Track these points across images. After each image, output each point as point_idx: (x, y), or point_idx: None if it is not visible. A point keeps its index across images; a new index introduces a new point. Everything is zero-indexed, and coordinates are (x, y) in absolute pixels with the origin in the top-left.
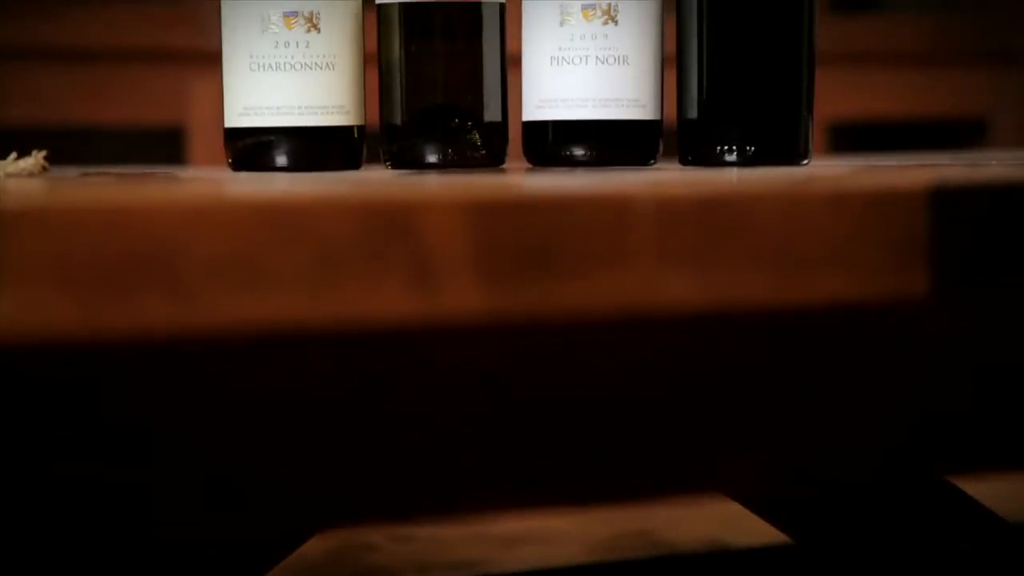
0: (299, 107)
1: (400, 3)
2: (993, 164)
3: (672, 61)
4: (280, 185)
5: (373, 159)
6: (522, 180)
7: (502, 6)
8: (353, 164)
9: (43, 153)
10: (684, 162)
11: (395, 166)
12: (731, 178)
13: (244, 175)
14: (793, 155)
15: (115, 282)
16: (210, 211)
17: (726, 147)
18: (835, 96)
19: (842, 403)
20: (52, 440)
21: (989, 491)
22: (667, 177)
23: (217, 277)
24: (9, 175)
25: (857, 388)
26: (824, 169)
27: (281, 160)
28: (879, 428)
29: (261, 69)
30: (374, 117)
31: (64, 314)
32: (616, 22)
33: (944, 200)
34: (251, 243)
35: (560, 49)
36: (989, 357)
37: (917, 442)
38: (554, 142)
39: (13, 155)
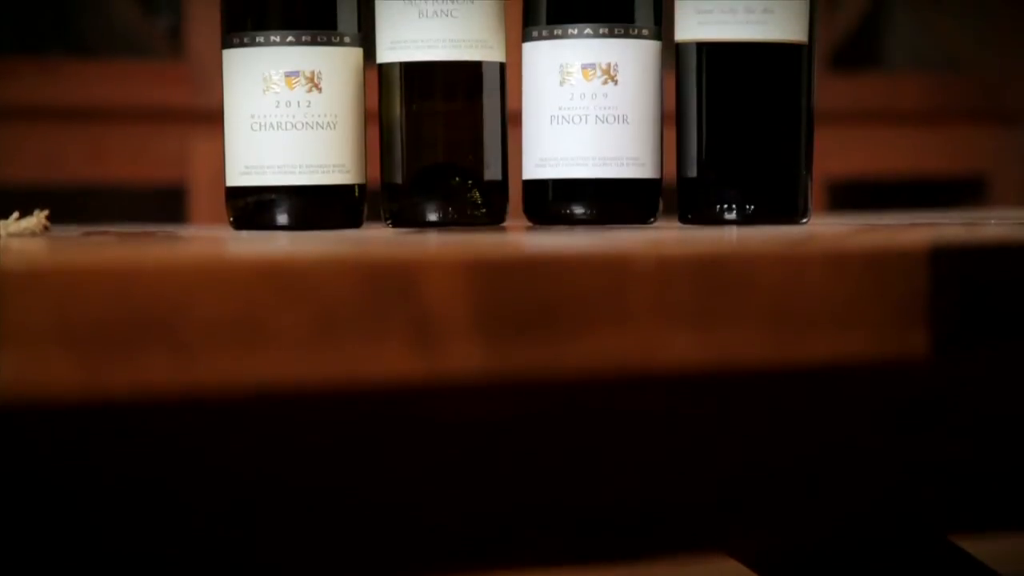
0: (300, 166)
1: (401, 62)
2: (992, 223)
3: (671, 118)
4: (281, 244)
5: (374, 217)
6: (522, 239)
7: (502, 65)
8: (354, 223)
9: (45, 213)
10: (684, 220)
11: (396, 224)
12: (731, 237)
13: (245, 234)
14: (793, 213)
15: (116, 342)
16: (211, 271)
17: (725, 205)
18: (835, 153)
19: (842, 461)
20: (51, 499)
21: (992, 551)
22: (666, 236)
23: (218, 337)
24: (11, 235)
25: (857, 446)
26: (824, 228)
27: (282, 219)
28: (880, 486)
29: (262, 128)
30: (375, 174)
31: (65, 374)
32: (616, 82)
33: (943, 260)
34: (252, 303)
35: (560, 108)
36: (990, 416)
37: (919, 500)
38: (554, 200)
39: (15, 215)
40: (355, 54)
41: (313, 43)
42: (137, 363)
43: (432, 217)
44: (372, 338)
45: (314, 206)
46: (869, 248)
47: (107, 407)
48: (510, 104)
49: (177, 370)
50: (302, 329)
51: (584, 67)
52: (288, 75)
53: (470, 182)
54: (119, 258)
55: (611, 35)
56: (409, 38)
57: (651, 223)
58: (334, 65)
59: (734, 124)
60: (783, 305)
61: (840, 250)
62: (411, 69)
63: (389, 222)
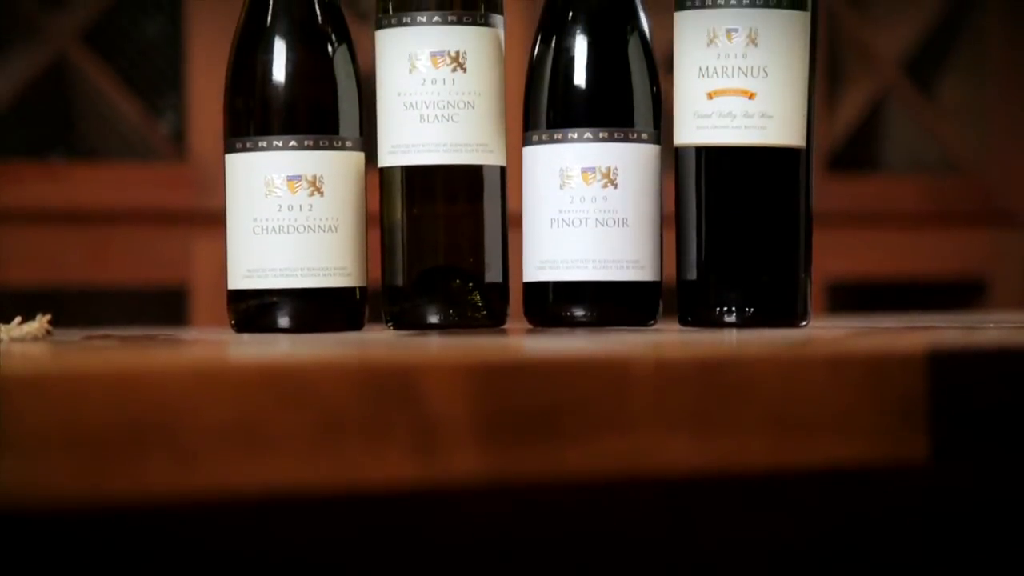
0: (302, 269)
1: (402, 166)
2: (991, 327)
3: (671, 221)
4: (282, 348)
5: (375, 318)
6: (523, 343)
7: (503, 169)
8: (355, 325)
9: (46, 317)
10: (684, 323)
11: (397, 327)
12: (730, 341)
13: (247, 336)
14: (792, 316)
15: (118, 447)
16: (213, 376)
17: (725, 308)
18: (834, 255)
19: (843, 564)
20: None
21: None
22: (666, 339)
23: (220, 441)
24: (13, 339)
25: (857, 549)
26: (823, 331)
27: (284, 322)
28: None
29: (264, 232)
30: (376, 276)
31: (66, 479)
32: (615, 185)
33: (942, 365)
34: (253, 408)
35: (560, 211)
36: (989, 520)
37: None
38: (555, 303)
39: (17, 319)
40: (357, 158)
41: (315, 147)
42: (138, 468)
43: (433, 319)
44: (373, 443)
45: (316, 309)
46: (868, 353)
47: (108, 512)
48: (510, 205)
49: (178, 475)
50: (303, 434)
51: (584, 171)
52: (290, 179)
53: (471, 284)
54: (120, 363)
55: (610, 139)
56: (410, 142)
57: (651, 325)
58: (336, 169)
59: (733, 227)
60: (783, 409)
61: (839, 354)
62: (412, 173)
63: (390, 324)
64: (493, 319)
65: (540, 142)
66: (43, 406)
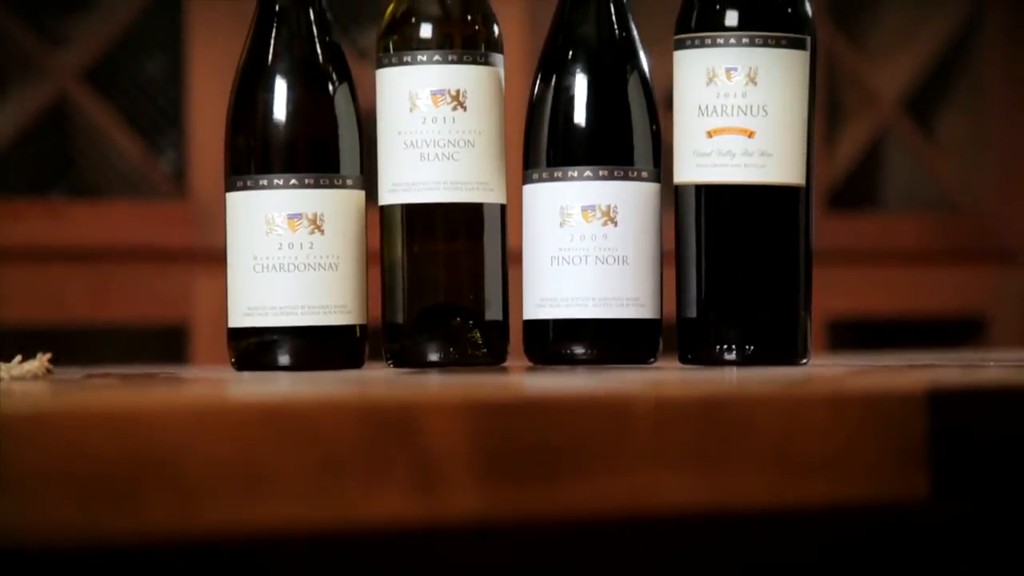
0: (302, 307)
1: (403, 204)
2: (991, 365)
3: (671, 258)
4: (283, 386)
5: (375, 356)
6: (523, 380)
7: (503, 207)
8: (355, 363)
9: (47, 356)
10: (684, 360)
11: (397, 364)
12: (731, 379)
13: (247, 375)
14: (792, 354)
15: (119, 486)
16: (213, 415)
17: (725, 346)
18: (834, 293)
19: None
20: None
21: None
22: (666, 377)
23: (220, 480)
24: (14, 378)
25: None
26: (823, 369)
27: (284, 360)
28: None
29: (265, 270)
30: (376, 313)
31: (67, 517)
32: (615, 223)
33: (942, 403)
34: (254, 446)
35: (560, 249)
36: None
37: None
38: (555, 340)
39: (18, 357)
40: (357, 196)
41: (316, 185)
42: (139, 506)
43: (433, 357)
44: (373, 482)
45: (316, 347)
46: (869, 391)
47: (108, 550)
48: (511, 243)
49: (179, 513)
50: (303, 472)
51: (584, 209)
52: (291, 217)
53: (471, 322)
54: (121, 402)
55: (610, 177)
56: (411, 180)
57: (651, 363)
58: (336, 207)
59: (733, 265)
60: (783, 447)
61: (840, 393)
62: (413, 211)
63: (390, 362)
64: (493, 357)
65: (540, 180)
66: (44, 444)
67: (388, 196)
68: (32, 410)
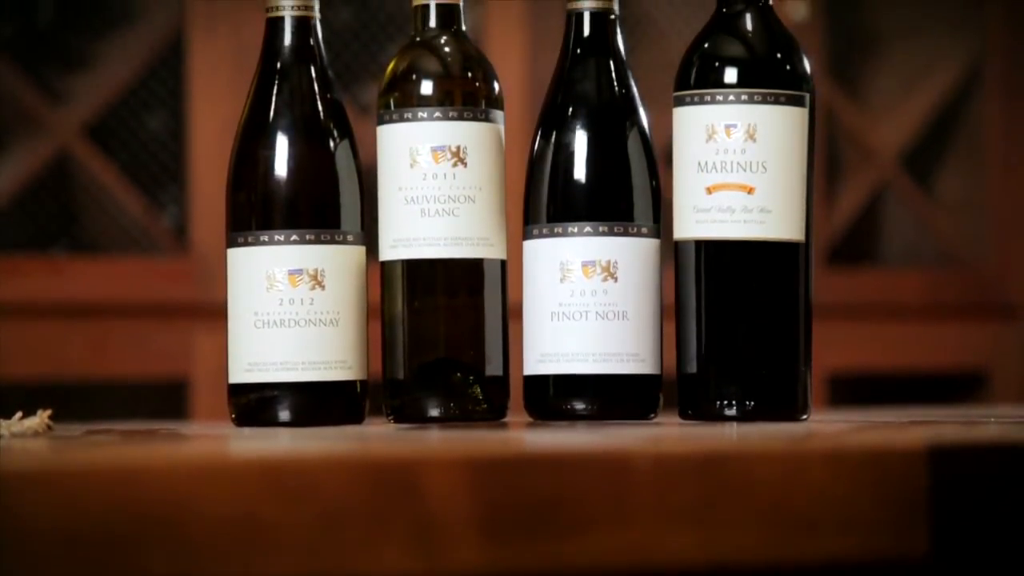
0: (303, 363)
1: (403, 260)
2: (991, 422)
3: (671, 314)
4: (283, 442)
5: (375, 411)
6: (523, 437)
7: (503, 262)
8: (356, 418)
9: (47, 412)
10: (684, 416)
11: (397, 420)
12: (731, 435)
13: (248, 431)
14: (792, 410)
15: (120, 543)
16: (214, 471)
17: (725, 402)
18: (834, 348)
19: None
20: None
21: None
22: (666, 433)
23: (220, 537)
24: (14, 435)
25: None
26: (823, 425)
27: (284, 415)
28: None
29: (265, 325)
30: (376, 368)
31: (69, 575)
32: (615, 279)
33: (943, 460)
34: (255, 502)
35: (561, 305)
36: None
37: None
38: (555, 396)
39: (18, 414)
40: (358, 252)
41: (317, 241)
42: (140, 564)
43: (434, 413)
44: (374, 538)
45: (316, 402)
46: (868, 447)
47: None
48: (511, 298)
49: (180, 570)
50: (304, 529)
51: (584, 264)
52: (292, 273)
53: (471, 378)
54: (122, 459)
55: (610, 233)
56: (411, 236)
57: (651, 419)
58: (337, 263)
59: (733, 321)
60: (783, 504)
61: (840, 449)
62: (413, 266)
63: (391, 417)
64: (494, 412)
65: (541, 236)
66: (44, 502)
67: (389, 252)
68: (33, 467)
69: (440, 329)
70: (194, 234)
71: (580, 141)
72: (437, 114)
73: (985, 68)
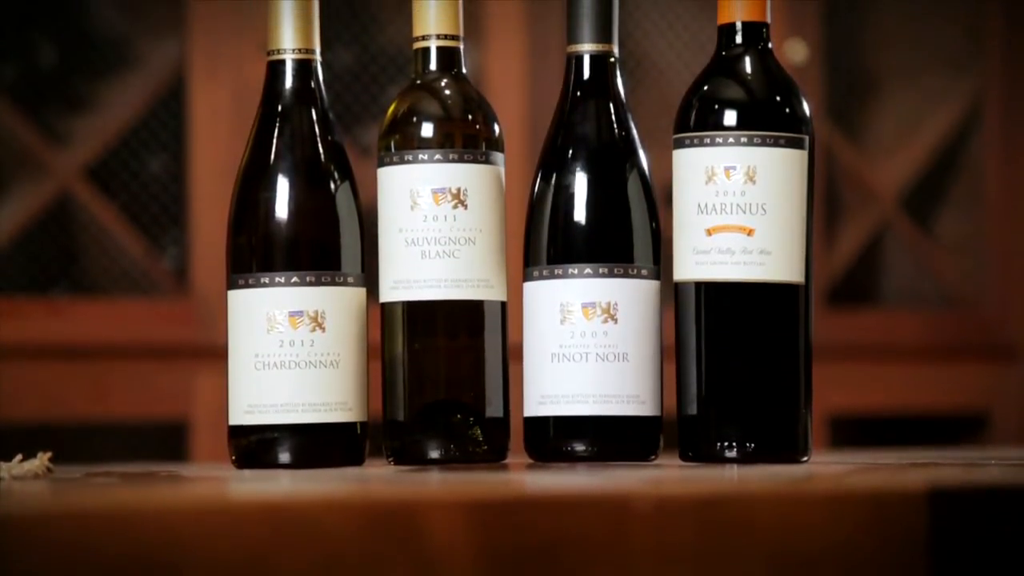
0: (303, 404)
1: (404, 302)
2: (992, 464)
3: (671, 354)
4: (283, 484)
5: (376, 452)
6: (524, 478)
7: (504, 304)
8: (356, 460)
9: (48, 455)
10: (684, 458)
11: (398, 462)
12: (731, 476)
13: (248, 473)
14: (793, 452)
15: None
16: (215, 513)
17: (726, 444)
18: (835, 389)
19: None
20: None
21: None
22: (667, 475)
23: None
24: (14, 477)
25: None
26: (824, 467)
27: (284, 457)
28: None
29: (266, 367)
30: (376, 408)
31: None
32: (616, 320)
33: (943, 502)
34: (256, 544)
35: (561, 346)
36: None
37: None
38: (555, 437)
39: (18, 457)
40: (358, 294)
41: (317, 283)
42: None
43: (434, 454)
44: None
45: (316, 444)
46: (869, 489)
47: None
48: (511, 339)
49: None
50: (305, 572)
51: (584, 306)
52: (292, 315)
53: (472, 419)
54: (122, 501)
55: (611, 275)
56: (412, 278)
57: (652, 460)
58: (338, 304)
59: (733, 362)
60: (783, 546)
61: (840, 491)
62: (414, 308)
63: (391, 459)
64: (494, 454)
65: (541, 277)
66: (45, 544)
67: (389, 293)
68: (33, 510)
69: (440, 370)
70: (194, 276)
71: (580, 183)
72: (438, 156)
73: (984, 109)
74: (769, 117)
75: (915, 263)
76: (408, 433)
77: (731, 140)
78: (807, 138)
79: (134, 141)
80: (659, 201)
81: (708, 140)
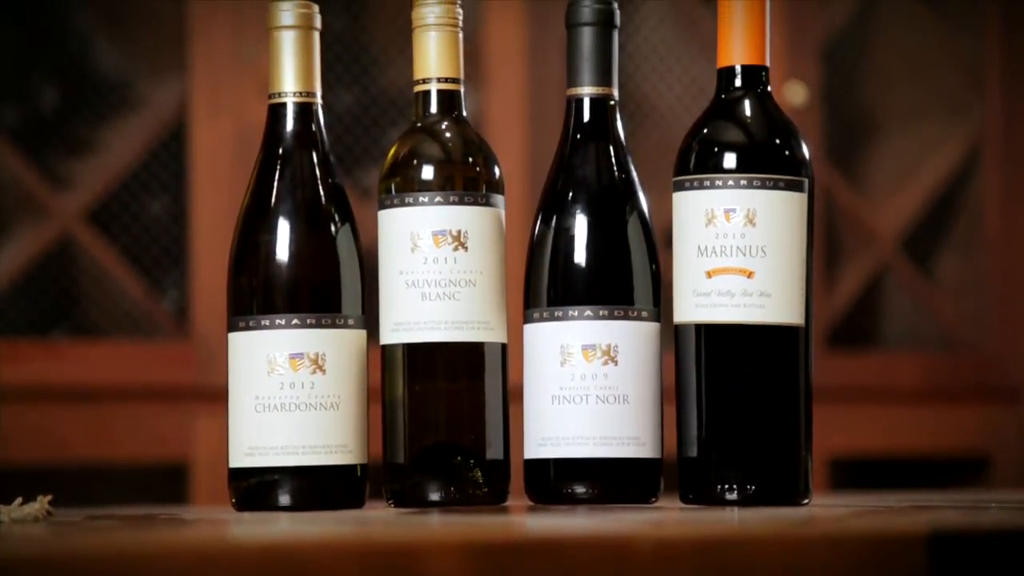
0: (303, 447)
1: (404, 344)
2: (992, 507)
3: (671, 396)
4: (283, 527)
5: (376, 494)
6: (524, 521)
7: (504, 346)
8: (356, 502)
9: (47, 498)
10: (685, 500)
11: (398, 504)
12: (731, 519)
13: (248, 515)
14: (794, 494)
15: None
16: (215, 556)
17: (726, 486)
18: (836, 431)
19: None
20: None
21: None
22: (667, 517)
23: None
24: (14, 520)
25: None
26: (824, 509)
27: (285, 500)
28: None
29: (266, 410)
30: (376, 450)
31: None
32: (616, 362)
33: (943, 545)
34: None
35: (561, 388)
36: None
37: None
38: (555, 479)
39: (18, 500)
40: (359, 335)
41: (317, 325)
42: None
43: (434, 497)
44: None
45: (317, 486)
46: (869, 532)
47: None
48: (511, 381)
49: None
50: None
51: (585, 348)
52: (292, 357)
53: (472, 461)
54: (122, 544)
55: (611, 317)
56: (412, 320)
57: (652, 503)
58: (338, 347)
59: (734, 404)
60: None
61: (841, 534)
62: (414, 350)
63: (391, 501)
64: (494, 496)
65: (541, 319)
66: None
67: (389, 335)
68: (33, 553)
69: (441, 413)
70: (195, 318)
71: (580, 225)
72: (438, 199)
73: (983, 152)
74: (769, 160)
75: (915, 305)
76: (408, 475)
77: (731, 183)
78: (807, 180)
79: (135, 183)
80: (659, 243)
81: (708, 183)
